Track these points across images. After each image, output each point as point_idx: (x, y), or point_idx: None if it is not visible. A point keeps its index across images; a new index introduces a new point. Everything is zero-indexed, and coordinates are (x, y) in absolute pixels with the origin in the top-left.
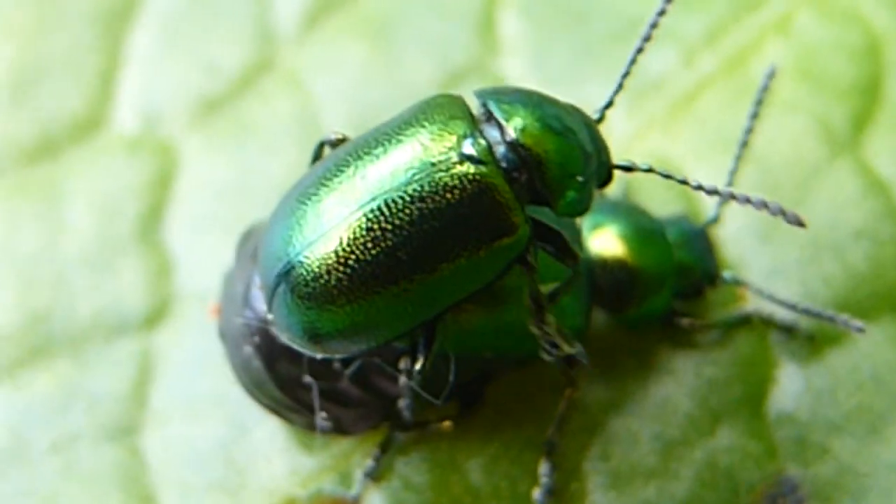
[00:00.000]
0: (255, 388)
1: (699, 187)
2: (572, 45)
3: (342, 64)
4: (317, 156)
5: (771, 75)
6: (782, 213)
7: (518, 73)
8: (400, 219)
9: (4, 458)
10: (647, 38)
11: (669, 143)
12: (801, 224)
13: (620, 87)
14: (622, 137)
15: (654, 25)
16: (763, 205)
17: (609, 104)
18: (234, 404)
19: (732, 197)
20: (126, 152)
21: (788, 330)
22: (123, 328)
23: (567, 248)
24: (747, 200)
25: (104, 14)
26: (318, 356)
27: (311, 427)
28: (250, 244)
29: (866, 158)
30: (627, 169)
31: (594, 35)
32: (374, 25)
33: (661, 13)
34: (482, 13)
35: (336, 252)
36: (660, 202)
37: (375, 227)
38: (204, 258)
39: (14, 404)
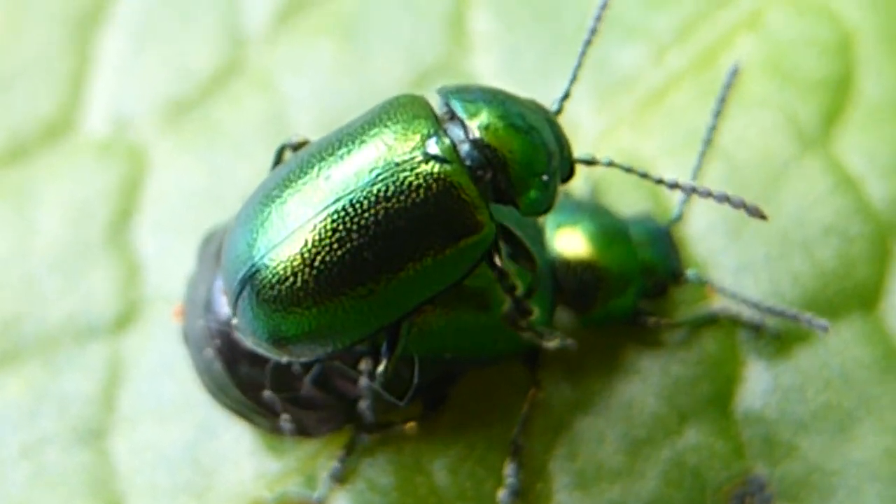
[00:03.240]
0: (217, 391)
1: (660, 181)
2: (543, 43)
3: (312, 64)
4: (278, 159)
5: (735, 73)
6: (744, 206)
7: (489, 71)
8: (365, 219)
9: None
10: (593, 31)
11: (639, 141)
12: (762, 217)
13: (575, 77)
14: (591, 135)
15: (598, 18)
16: (725, 199)
17: (566, 95)
18: (201, 408)
19: (694, 191)
20: (96, 156)
21: (756, 328)
22: (93, 332)
23: (525, 251)
24: (709, 194)
25: (73, 17)
26: (283, 360)
27: (275, 430)
28: (212, 247)
29: (836, 155)
30: (589, 163)
31: (565, 32)
32: (343, 25)
33: (604, 6)
34: (453, 12)
35: (301, 254)
36: (627, 202)
37: (340, 227)
38: (173, 262)
39: None
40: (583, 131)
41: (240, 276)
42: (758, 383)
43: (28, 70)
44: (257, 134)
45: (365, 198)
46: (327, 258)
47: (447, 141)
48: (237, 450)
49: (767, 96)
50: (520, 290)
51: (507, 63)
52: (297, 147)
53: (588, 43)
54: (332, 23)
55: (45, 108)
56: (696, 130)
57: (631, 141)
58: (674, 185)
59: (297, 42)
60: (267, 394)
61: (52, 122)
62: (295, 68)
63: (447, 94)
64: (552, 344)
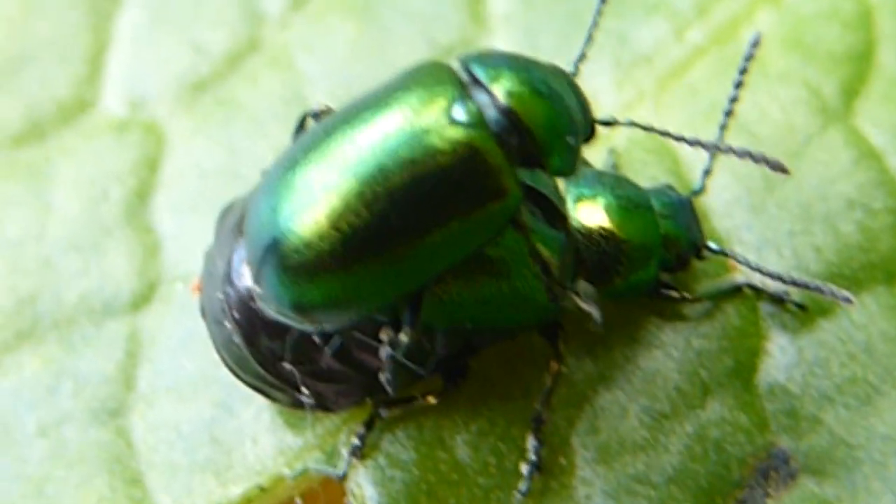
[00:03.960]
0: (236, 366)
1: (681, 139)
2: (561, 22)
3: (329, 43)
4: (300, 128)
5: (756, 43)
6: (765, 160)
7: (507, 48)
8: (392, 183)
9: None
10: None
11: (660, 116)
12: (784, 171)
13: (590, 38)
14: (612, 110)
15: None
16: (747, 154)
17: (581, 57)
18: (220, 385)
19: (715, 148)
20: (113, 135)
21: (779, 301)
22: (111, 310)
23: (555, 211)
24: (731, 150)
25: None
26: (306, 328)
27: (294, 405)
28: (230, 219)
29: (858, 127)
30: (608, 124)
31: (582, 11)
32: (361, 4)
33: None
34: None
35: (327, 219)
36: (649, 178)
37: (367, 191)
38: (191, 240)
39: (2, 389)
40: (604, 106)
41: (264, 243)
42: (781, 357)
43: (44, 50)
44: (274, 112)
45: (391, 162)
46: (354, 223)
47: (473, 106)
48: (256, 427)
49: (789, 71)
50: (547, 255)
51: (524, 42)
52: (319, 115)
53: (602, 2)
54: (349, 1)
55: (62, 87)
56: (717, 105)
57: (652, 116)
58: (695, 143)
59: (314, 21)
60: (286, 366)
61: (68, 102)
62: (312, 47)
63: (469, 60)
64: (591, 309)
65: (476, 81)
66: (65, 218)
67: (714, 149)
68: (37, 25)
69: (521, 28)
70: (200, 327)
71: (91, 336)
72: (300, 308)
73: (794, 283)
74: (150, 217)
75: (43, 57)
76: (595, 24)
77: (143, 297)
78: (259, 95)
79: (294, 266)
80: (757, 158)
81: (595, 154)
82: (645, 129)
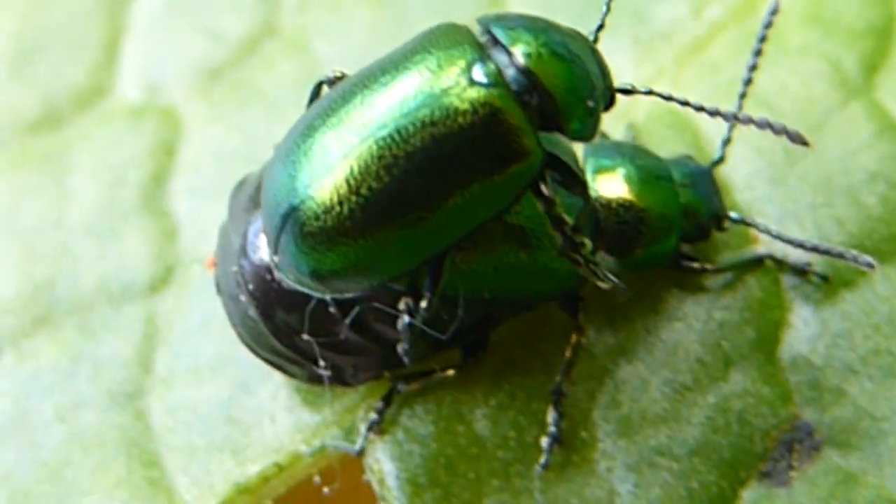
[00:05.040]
0: (253, 341)
1: (701, 108)
2: (578, 4)
3: (346, 27)
4: (314, 96)
5: (774, 11)
6: (785, 132)
7: None
8: (412, 146)
9: (9, 428)
10: None
11: (680, 93)
12: (804, 143)
13: (608, 9)
14: None
15: None
16: (766, 124)
17: (601, 26)
18: (237, 366)
19: (735, 118)
20: (129, 121)
21: (802, 272)
22: (128, 295)
23: (575, 176)
24: (750, 120)
25: None
26: (325, 296)
27: (312, 379)
28: (243, 194)
29: (880, 101)
30: (628, 92)
31: None
32: None
33: None
34: None
35: (347, 183)
36: (668, 151)
37: (387, 155)
38: (208, 224)
39: (19, 375)
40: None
41: (282, 210)
42: (804, 328)
43: (60, 37)
44: (291, 97)
45: (411, 125)
46: (374, 186)
47: (492, 66)
48: (273, 405)
49: (809, 45)
50: (568, 223)
51: None
52: (333, 82)
53: None
54: None
55: (78, 74)
56: (736, 82)
57: (671, 92)
58: (714, 113)
59: (331, 5)
60: (303, 339)
61: (85, 89)
62: (329, 32)
63: (488, 21)
64: (605, 284)
65: (495, 42)
66: (82, 204)
67: (733, 119)
68: (52, 13)
69: (537, 9)
70: (217, 309)
71: (109, 320)
72: (319, 276)
73: (816, 250)
74: (167, 202)
75: (58, 44)
76: None
77: (161, 281)
78: (275, 80)
79: (313, 233)
80: (777, 130)
81: (614, 129)
82: (664, 97)
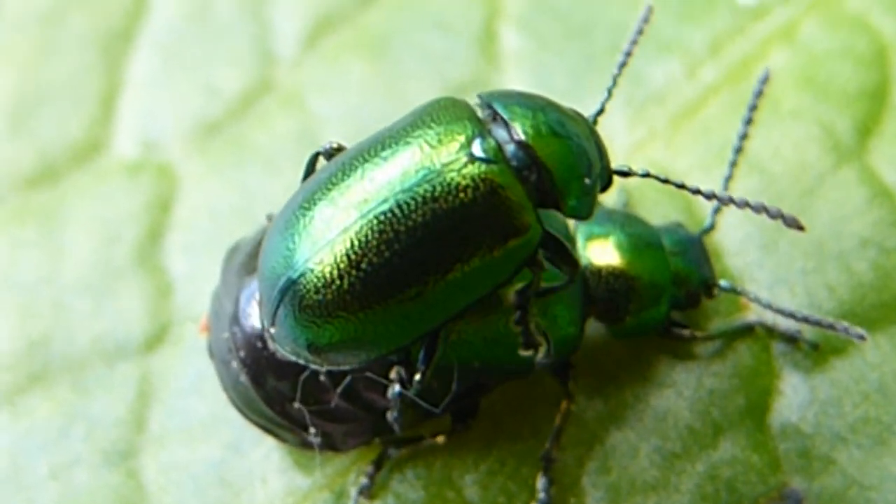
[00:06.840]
0: (244, 406)
1: (697, 192)
2: (574, 59)
3: (342, 83)
4: (310, 167)
5: (765, 80)
6: (781, 216)
7: (519, 87)
8: (412, 221)
9: (4, 484)
10: (628, 54)
11: (673, 155)
12: (799, 228)
13: (610, 95)
14: (625, 148)
15: (633, 42)
16: (762, 209)
17: (600, 111)
18: (230, 426)
19: (731, 201)
20: (126, 177)
21: (792, 339)
22: (122, 353)
23: (567, 254)
24: (746, 204)
25: (103, 38)
26: (320, 368)
27: (303, 445)
28: (237, 259)
29: (872, 166)
30: (625, 174)
31: (596, 48)
32: (373, 42)
33: (639, 32)
34: (483, 28)
35: (347, 257)
36: (660, 214)
37: (388, 229)
38: (203, 281)
39: (13, 431)
40: (616, 145)
41: (281, 282)
42: (794, 396)
43: (57, 91)
44: (287, 153)
45: (411, 200)
46: (374, 261)
47: (492, 142)
48: (266, 467)
49: (802, 108)
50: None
51: (538, 81)
52: (331, 154)
53: (623, 65)
54: (361, 41)
55: (75, 129)
56: (730, 145)
57: (664, 155)
58: (711, 196)
59: (327, 61)
60: (294, 406)
61: (81, 144)
62: (325, 87)
63: (488, 96)
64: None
65: (494, 118)
66: (77, 260)
67: (729, 202)
68: (50, 67)
69: (532, 67)
70: (211, 369)
71: (103, 378)
72: (317, 349)
73: (807, 321)
74: (163, 258)
75: (56, 99)
76: (614, 84)
77: (156, 339)
78: (272, 136)
79: (312, 306)
80: (773, 214)
81: (607, 192)
82: (661, 180)
